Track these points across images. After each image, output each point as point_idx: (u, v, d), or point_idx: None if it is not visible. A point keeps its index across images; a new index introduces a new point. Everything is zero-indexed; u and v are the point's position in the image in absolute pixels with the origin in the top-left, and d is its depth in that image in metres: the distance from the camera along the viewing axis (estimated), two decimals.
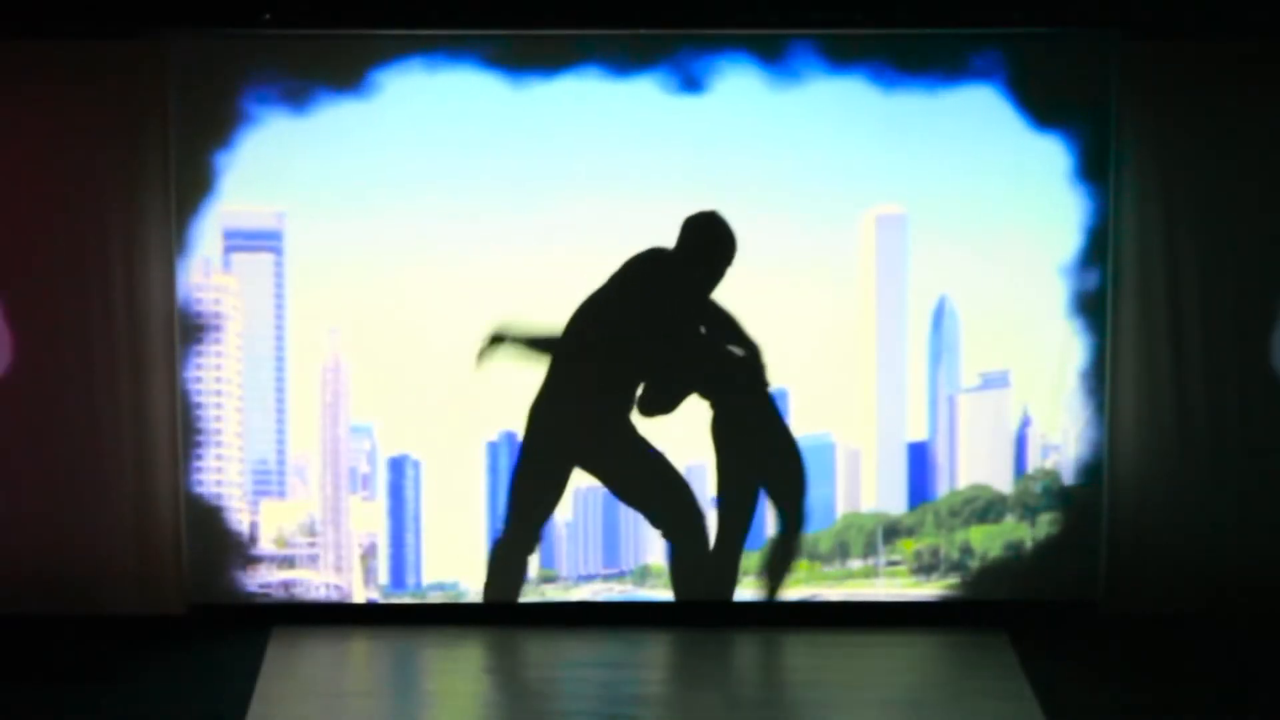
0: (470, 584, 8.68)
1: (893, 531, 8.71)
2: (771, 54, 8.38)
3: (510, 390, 8.52)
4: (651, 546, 8.69)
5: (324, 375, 8.60)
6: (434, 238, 8.48)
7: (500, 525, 8.61)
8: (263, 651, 8.19)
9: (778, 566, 8.64)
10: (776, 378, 8.58)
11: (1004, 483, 8.68)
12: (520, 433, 8.56)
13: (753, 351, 8.49)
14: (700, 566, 8.61)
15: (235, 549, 8.61)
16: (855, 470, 8.70)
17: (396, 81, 8.37)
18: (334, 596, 8.70)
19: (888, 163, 8.44)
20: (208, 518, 8.57)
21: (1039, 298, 8.50)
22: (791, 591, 8.69)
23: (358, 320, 8.53)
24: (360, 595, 8.72)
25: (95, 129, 8.32)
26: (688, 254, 8.43)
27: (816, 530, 8.68)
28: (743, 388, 8.51)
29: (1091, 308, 8.51)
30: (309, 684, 7.90)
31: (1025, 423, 8.65)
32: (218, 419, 8.56)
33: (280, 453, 8.64)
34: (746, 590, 8.66)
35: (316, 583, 8.69)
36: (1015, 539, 8.68)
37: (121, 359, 8.46)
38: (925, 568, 8.72)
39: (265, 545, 8.66)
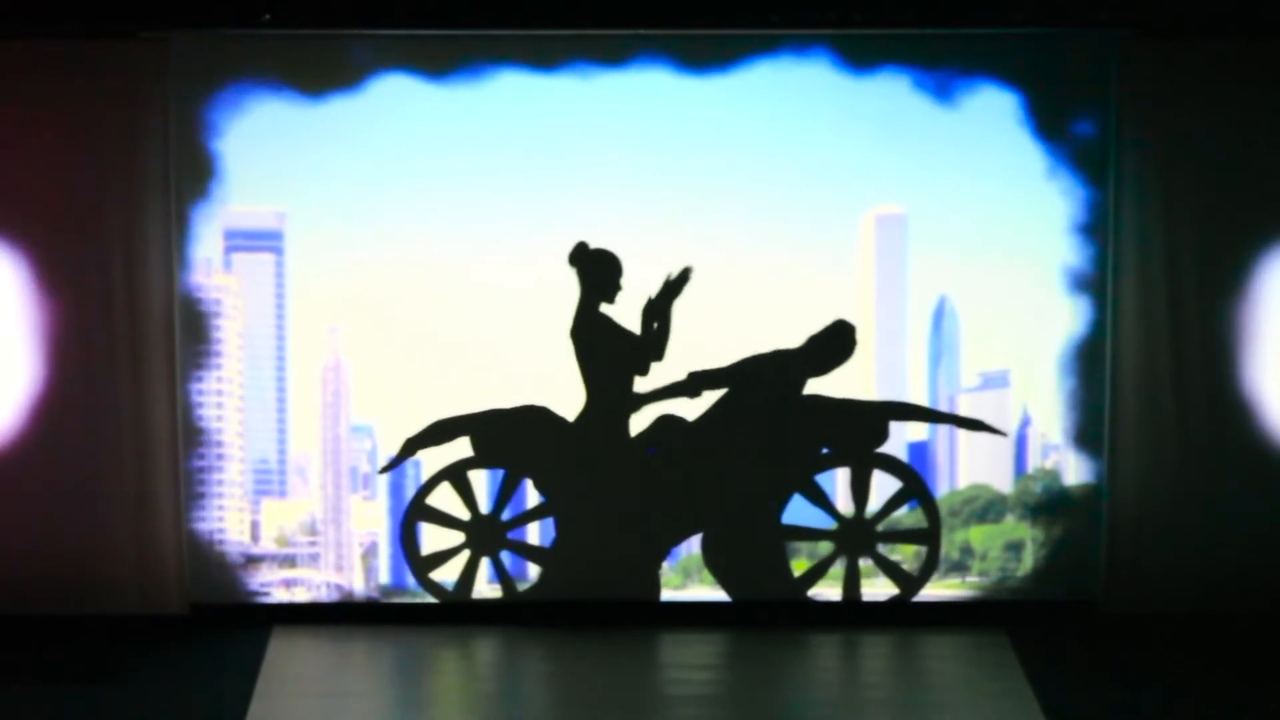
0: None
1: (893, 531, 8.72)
2: (772, 55, 8.38)
3: (509, 389, 8.53)
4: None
5: (324, 375, 8.60)
6: (434, 237, 8.49)
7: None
8: (263, 651, 8.19)
9: None
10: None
11: (1004, 483, 8.68)
12: None
13: None
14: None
15: (236, 549, 8.62)
16: None
17: (396, 82, 8.38)
18: (334, 596, 8.70)
19: (888, 163, 8.44)
20: (208, 517, 8.57)
21: (1039, 298, 8.50)
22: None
23: (358, 320, 8.53)
24: (361, 595, 8.72)
25: (95, 129, 8.32)
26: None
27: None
28: None
29: (1092, 307, 8.50)
30: (309, 684, 7.89)
31: (1025, 422, 8.65)
32: (218, 418, 8.56)
33: (281, 452, 8.65)
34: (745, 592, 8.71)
35: (317, 582, 8.69)
36: (1015, 539, 8.68)
37: (122, 359, 8.46)
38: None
39: (266, 544, 8.66)
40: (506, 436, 8.57)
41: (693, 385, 8.53)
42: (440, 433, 8.57)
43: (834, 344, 8.54)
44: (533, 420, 8.53)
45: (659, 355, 8.50)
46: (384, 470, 8.62)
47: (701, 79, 8.41)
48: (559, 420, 8.54)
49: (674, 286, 8.45)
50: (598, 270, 8.46)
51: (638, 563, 8.61)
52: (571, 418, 8.54)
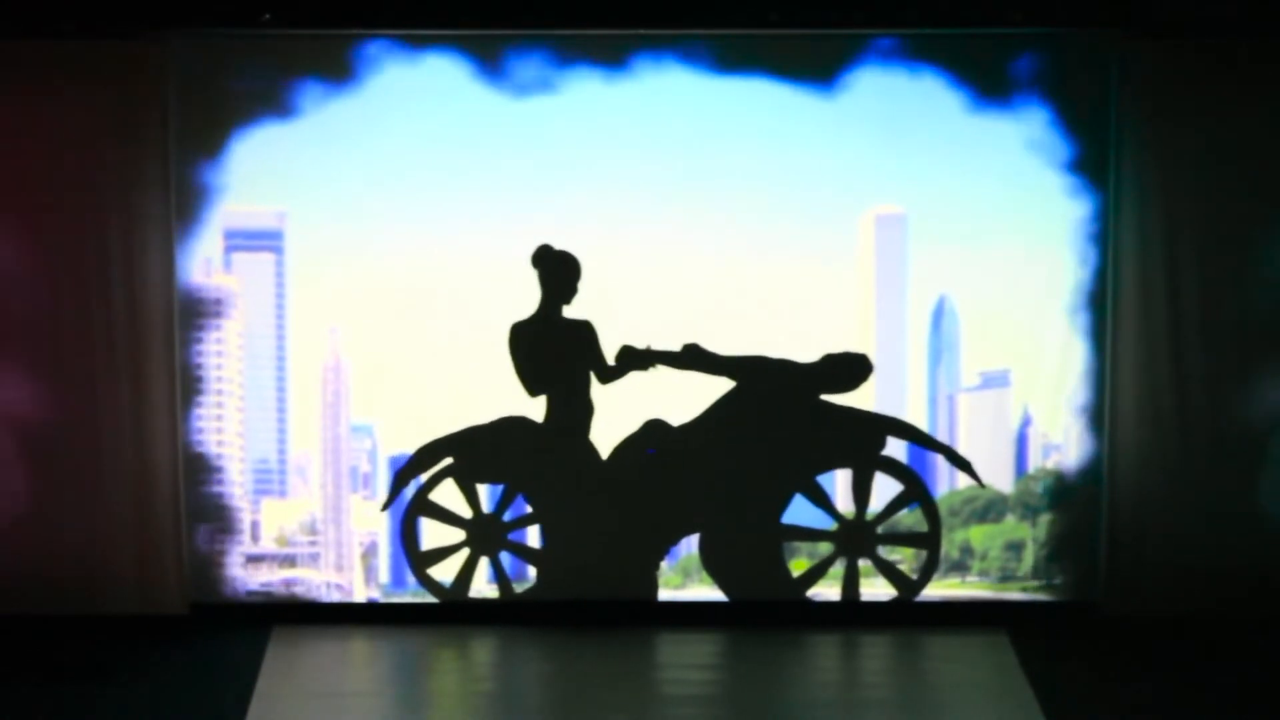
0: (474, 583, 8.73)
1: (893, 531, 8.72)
2: (772, 55, 8.38)
3: (508, 389, 8.53)
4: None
5: (324, 374, 8.60)
6: (434, 237, 8.49)
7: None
8: (263, 651, 8.20)
9: None
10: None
11: (1004, 482, 8.68)
12: None
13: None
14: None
15: (236, 548, 8.62)
16: None
17: (396, 82, 8.38)
18: (335, 596, 8.71)
19: (888, 163, 8.44)
20: (208, 517, 8.58)
21: (1039, 297, 8.51)
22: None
23: (358, 320, 8.54)
24: (361, 594, 8.73)
25: (95, 129, 8.33)
26: None
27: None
28: None
29: (1092, 307, 8.50)
30: (309, 684, 7.90)
31: (1026, 422, 8.65)
32: (218, 419, 8.56)
33: (281, 452, 8.65)
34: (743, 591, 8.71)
35: (317, 582, 8.69)
36: (1015, 539, 8.68)
37: (121, 359, 8.46)
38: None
39: (266, 544, 8.66)
40: (489, 452, 8.57)
41: (686, 358, 8.51)
42: (426, 457, 8.58)
43: (845, 373, 8.52)
44: (512, 431, 8.53)
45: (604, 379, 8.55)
46: (384, 508, 8.62)
47: (701, 79, 8.41)
48: (539, 427, 8.54)
49: (642, 361, 8.47)
50: (561, 272, 8.47)
51: (630, 564, 8.61)
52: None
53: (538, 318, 8.50)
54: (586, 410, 8.53)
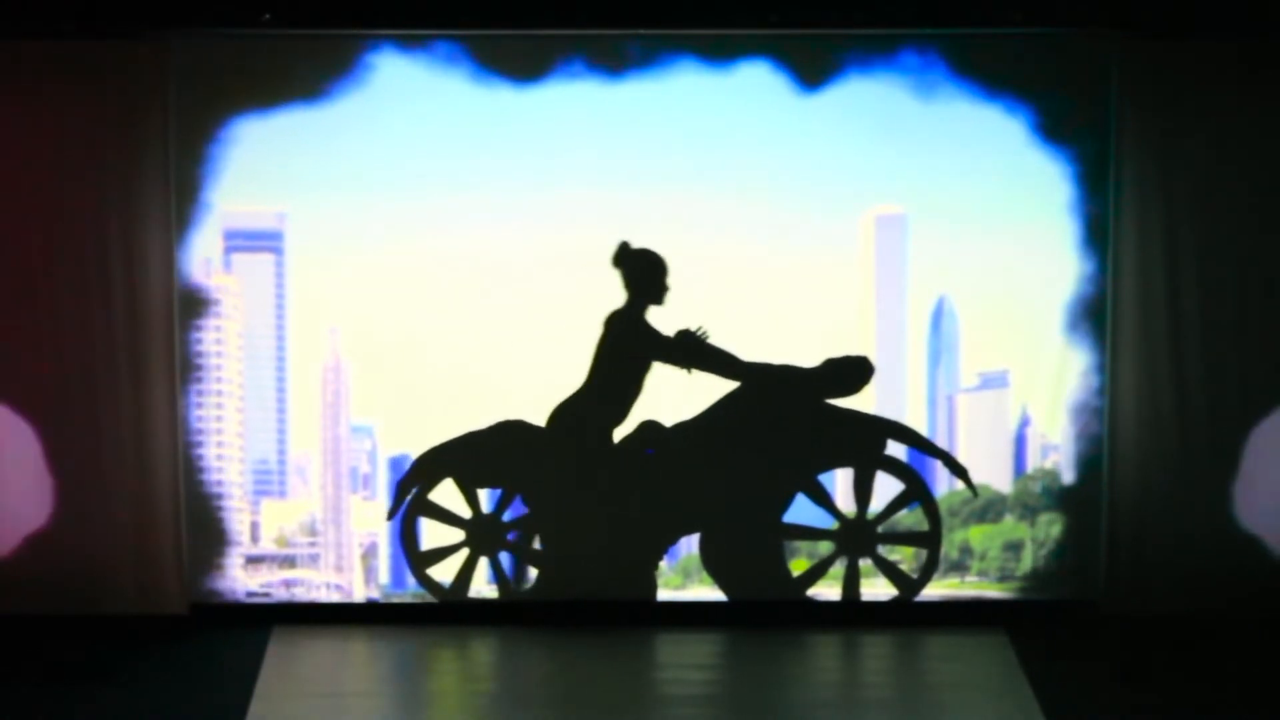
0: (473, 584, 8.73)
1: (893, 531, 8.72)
2: (772, 55, 8.39)
3: (509, 390, 8.53)
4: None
5: (324, 375, 8.61)
6: (435, 237, 8.49)
7: None
8: (263, 651, 8.20)
9: None
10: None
11: (1003, 482, 8.68)
12: None
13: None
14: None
15: (236, 549, 8.62)
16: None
17: (396, 82, 8.38)
18: (335, 596, 8.71)
19: (888, 163, 8.44)
20: (208, 517, 8.58)
21: (1039, 298, 8.51)
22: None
23: (358, 320, 8.54)
24: (361, 595, 8.73)
25: (95, 129, 8.33)
26: None
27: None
28: None
29: (1091, 308, 8.51)
30: (309, 684, 7.90)
31: (1025, 422, 8.65)
32: (218, 419, 8.56)
33: (281, 452, 8.65)
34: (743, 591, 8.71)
35: (317, 582, 8.70)
36: (1015, 539, 8.68)
37: (121, 359, 8.46)
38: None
39: (266, 545, 8.66)
40: (488, 456, 8.57)
41: (684, 349, 8.50)
42: (426, 465, 8.57)
43: (848, 376, 8.52)
44: (509, 436, 8.53)
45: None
46: (390, 517, 8.62)
47: (701, 78, 8.41)
48: (536, 430, 8.54)
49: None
50: (644, 271, 8.45)
51: (630, 564, 8.61)
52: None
53: (622, 316, 8.49)
54: (613, 412, 8.52)
